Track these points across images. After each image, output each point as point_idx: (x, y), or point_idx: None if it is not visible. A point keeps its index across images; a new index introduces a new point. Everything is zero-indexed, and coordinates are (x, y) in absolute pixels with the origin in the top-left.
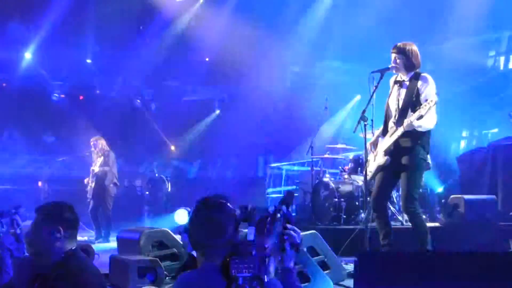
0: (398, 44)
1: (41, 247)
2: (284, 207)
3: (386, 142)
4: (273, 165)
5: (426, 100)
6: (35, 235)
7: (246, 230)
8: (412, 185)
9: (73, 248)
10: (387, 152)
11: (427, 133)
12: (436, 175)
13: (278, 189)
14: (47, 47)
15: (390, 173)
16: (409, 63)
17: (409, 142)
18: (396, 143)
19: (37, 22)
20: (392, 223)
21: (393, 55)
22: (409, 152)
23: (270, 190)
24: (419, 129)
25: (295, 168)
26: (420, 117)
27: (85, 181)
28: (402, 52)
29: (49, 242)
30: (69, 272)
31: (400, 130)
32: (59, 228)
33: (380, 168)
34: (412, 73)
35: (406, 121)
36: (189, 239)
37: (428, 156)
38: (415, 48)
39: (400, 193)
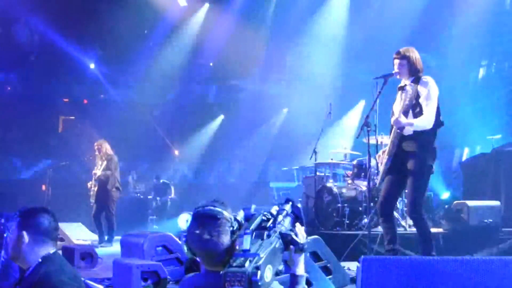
0: (400, 49)
1: (15, 252)
2: (290, 206)
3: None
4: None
5: (427, 99)
6: (10, 240)
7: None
8: (417, 190)
9: (50, 252)
10: (390, 156)
11: (431, 137)
12: (441, 180)
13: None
14: (51, 51)
15: (396, 178)
16: (411, 68)
17: (413, 147)
18: (399, 147)
19: (42, 25)
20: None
21: (396, 61)
22: (414, 157)
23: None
24: (412, 128)
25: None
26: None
27: (88, 185)
28: (404, 57)
29: (18, 246)
30: (44, 277)
31: (394, 129)
32: (24, 233)
33: (387, 173)
34: (414, 77)
35: (392, 119)
36: (187, 246)
37: (434, 161)
38: (416, 53)
39: (405, 198)
